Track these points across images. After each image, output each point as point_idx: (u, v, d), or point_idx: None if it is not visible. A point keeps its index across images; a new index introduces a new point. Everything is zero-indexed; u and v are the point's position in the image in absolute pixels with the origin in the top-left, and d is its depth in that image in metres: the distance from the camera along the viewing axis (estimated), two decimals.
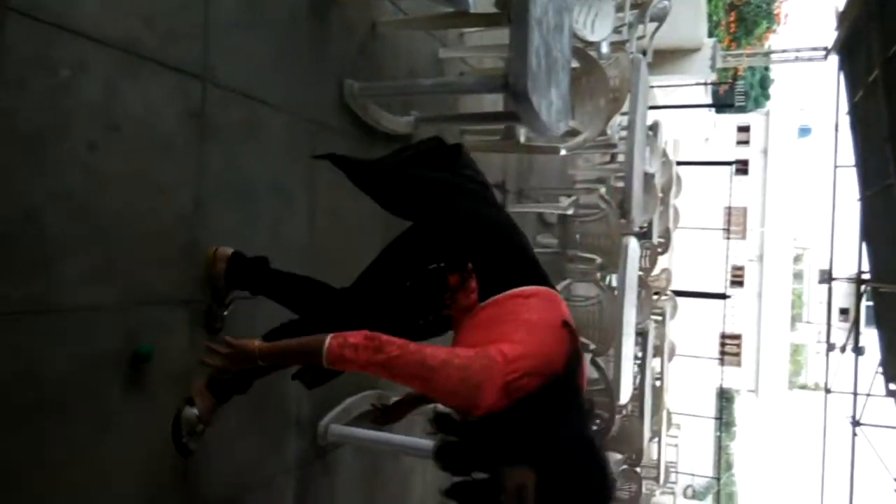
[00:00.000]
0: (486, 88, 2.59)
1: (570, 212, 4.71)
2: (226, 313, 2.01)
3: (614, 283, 4.48)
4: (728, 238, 14.41)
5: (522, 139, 3.47)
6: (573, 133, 3.72)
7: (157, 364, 1.75)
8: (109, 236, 1.62)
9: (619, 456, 6.15)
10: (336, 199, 2.49)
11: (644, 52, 5.07)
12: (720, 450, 13.63)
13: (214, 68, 1.93)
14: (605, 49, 4.36)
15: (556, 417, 1.36)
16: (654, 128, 6.33)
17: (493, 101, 3.37)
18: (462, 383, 1.36)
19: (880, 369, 6.95)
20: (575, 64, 3.50)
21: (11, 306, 1.42)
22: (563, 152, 3.80)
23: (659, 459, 8.21)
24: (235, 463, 2.04)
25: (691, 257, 21.31)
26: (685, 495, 18.97)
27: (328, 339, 1.42)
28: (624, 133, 4.63)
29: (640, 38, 5.06)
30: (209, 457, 1.92)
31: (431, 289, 1.65)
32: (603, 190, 5.15)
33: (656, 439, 7.86)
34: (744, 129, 29.70)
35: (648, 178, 5.86)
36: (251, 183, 2.10)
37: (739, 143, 29.41)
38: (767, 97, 31.09)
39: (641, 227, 6.34)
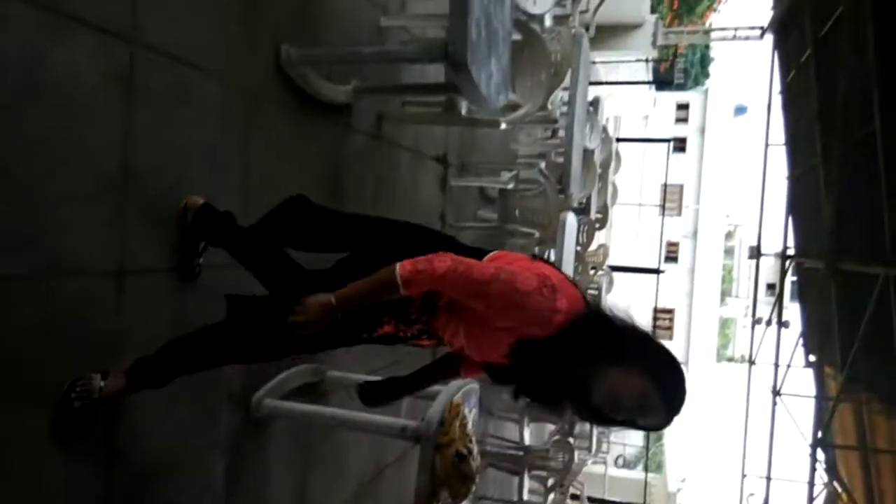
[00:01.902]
0: (426, 57, 2.56)
1: (510, 186, 4.74)
2: (201, 260, 2.04)
3: (552, 258, 4.54)
4: (663, 215, 14.79)
5: (464, 111, 3.46)
6: (514, 107, 3.72)
7: (80, 336, 1.69)
8: (24, 202, 1.54)
9: (551, 427, 6.31)
10: (271, 167, 2.44)
11: (587, 27, 5.11)
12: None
13: (143, 29, 1.84)
14: (547, 22, 4.36)
15: (613, 323, 1.51)
16: (595, 104, 6.40)
17: (436, 72, 3.34)
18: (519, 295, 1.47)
19: (801, 341, 7.31)
20: (516, 36, 3.49)
21: None
22: (503, 126, 3.81)
23: (591, 430, 8.44)
24: (164, 437, 1.99)
25: (628, 233, 21.81)
26: (616, 464, 19.64)
27: (396, 266, 1.51)
28: (565, 108, 4.66)
29: (582, 12, 5.09)
30: (136, 430, 1.87)
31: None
32: (543, 165, 5.19)
33: None
34: (683, 107, 30.37)
35: (588, 154, 5.94)
36: (182, 150, 2.03)
37: (678, 120, 30.08)
38: (707, 75, 31.84)
39: (580, 203, 6.43)
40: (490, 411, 5.99)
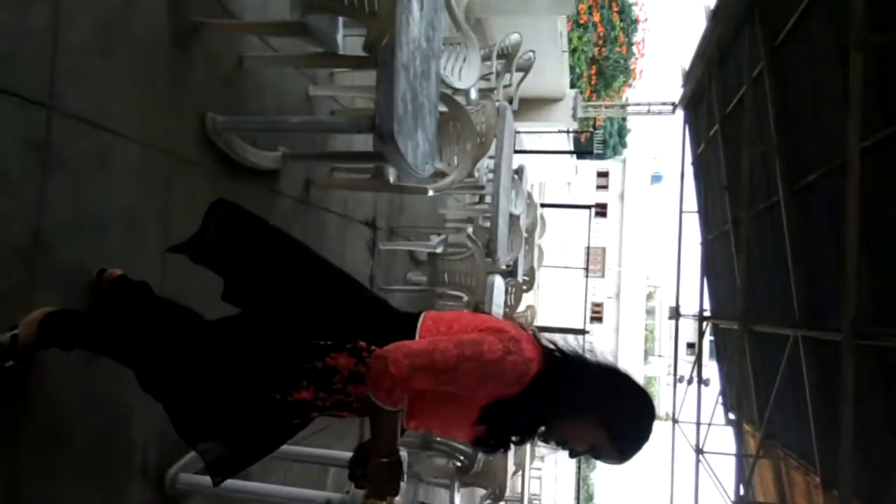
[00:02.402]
0: (354, 129, 2.61)
1: (439, 250, 4.80)
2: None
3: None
4: (588, 276, 15.19)
5: (392, 179, 3.52)
6: (441, 175, 3.81)
7: None
8: None
9: (482, 491, 6.22)
10: (193, 231, 2.40)
11: (510, 100, 5.32)
12: (580, 481, 14.15)
13: (62, 96, 1.81)
14: (472, 95, 4.53)
15: (580, 368, 1.52)
16: (520, 171, 6.61)
17: (364, 140, 3.40)
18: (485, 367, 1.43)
19: (720, 399, 7.55)
20: (443, 108, 3.61)
21: None
22: (431, 193, 3.88)
23: (523, 492, 8.39)
24: None
25: (554, 294, 22.23)
26: None
27: (376, 402, 1.43)
28: (491, 175, 4.81)
29: (506, 86, 5.30)
30: None
31: (304, 364, 1.54)
32: (471, 229, 5.29)
33: (520, 473, 8.04)
34: (603, 175, 31.71)
35: (514, 219, 6.10)
36: (100, 217, 1.98)
37: (599, 187, 31.35)
38: (624, 145, 33.42)
39: (507, 266, 6.56)
40: (420, 477, 5.87)
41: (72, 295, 1.87)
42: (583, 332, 11.66)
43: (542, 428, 1.55)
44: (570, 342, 1.58)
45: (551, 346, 1.54)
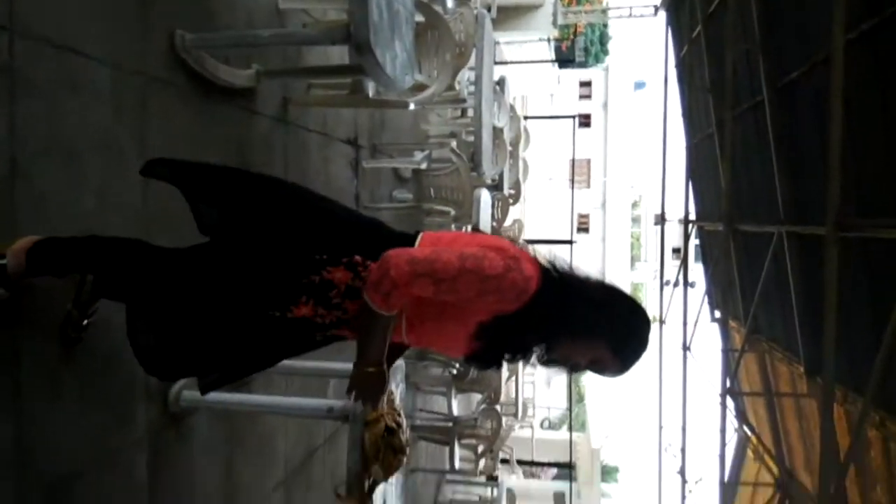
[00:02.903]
0: (328, 40, 2.54)
1: (423, 166, 4.76)
2: (86, 322, 1.87)
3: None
4: (573, 188, 15.20)
5: (371, 93, 3.45)
6: (421, 87, 3.74)
7: None
8: None
9: (479, 396, 6.44)
10: (171, 152, 2.36)
11: (488, 8, 5.17)
12: (571, 383, 14.63)
13: (24, 17, 1.74)
14: (449, 4, 4.39)
15: (577, 285, 1.54)
16: (501, 83, 6.50)
17: (340, 54, 3.31)
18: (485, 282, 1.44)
19: (706, 299, 7.73)
20: (419, 18, 3.50)
21: None
22: (412, 107, 3.82)
23: (517, 396, 8.68)
24: (79, 437, 1.92)
25: (541, 207, 22.29)
26: (542, 427, 20.24)
27: (371, 305, 1.46)
28: (472, 88, 4.72)
29: None
30: (47, 434, 1.80)
31: (301, 278, 1.55)
32: (454, 144, 5.24)
33: (514, 378, 8.30)
34: (585, 84, 31.19)
35: (498, 132, 6.04)
36: (75, 141, 1.94)
37: (582, 97, 30.89)
38: (606, 52, 32.78)
39: (493, 180, 6.54)
40: (417, 386, 6.05)
41: (55, 221, 1.85)
42: (570, 242, 11.76)
43: (540, 348, 1.56)
44: (564, 260, 1.58)
45: (549, 266, 1.54)
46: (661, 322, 7.77)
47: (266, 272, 1.57)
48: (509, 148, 7.03)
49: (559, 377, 20.03)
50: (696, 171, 8.26)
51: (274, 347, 1.71)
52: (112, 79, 2.07)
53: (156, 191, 2.16)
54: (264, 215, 1.64)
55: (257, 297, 1.58)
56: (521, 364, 8.62)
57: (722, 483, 6.68)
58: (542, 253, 1.60)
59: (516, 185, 8.13)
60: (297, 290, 1.55)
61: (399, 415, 2.31)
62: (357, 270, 1.55)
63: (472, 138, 5.29)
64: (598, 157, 29.96)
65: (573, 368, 1.60)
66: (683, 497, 7.00)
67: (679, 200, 8.09)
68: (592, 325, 1.51)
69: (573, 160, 15.70)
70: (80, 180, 1.95)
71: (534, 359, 1.60)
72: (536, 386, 12.28)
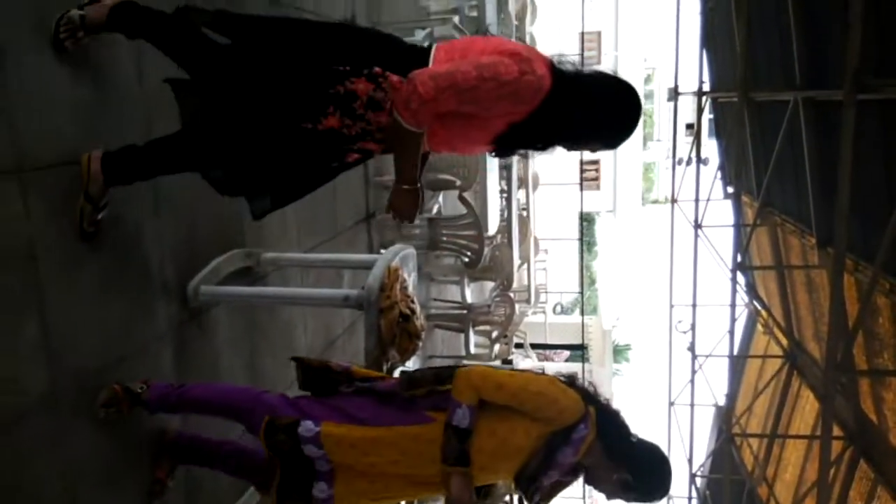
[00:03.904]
0: None
1: (426, 44, 4.57)
2: (99, 216, 1.89)
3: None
4: (583, 63, 14.66)
5: None
6: None
7: None
8: None
9: (491, 283, 6.53)
10: None
11: None
12: (583, 268, 14.82)
13: None
14: None
15: (584, 83, 1.74)
16: None
17: None
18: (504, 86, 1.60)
19: (719, 174, 7.63)
20: None
21: None
22: None
23: (529, 283, 8.80)
24: (102, 334, 1.96)
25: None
26: (554, 311, 20.72)
27: (400, 122, 1.63)
28: None
29: None
30: (71, 332, 1.84)
31: (328, 90, 1.67)
32: (457, 19, 5.01)
33: (525, 265, 8.38)
34: None
35: (503, 4, 5.76)
36: None
37: None
38: None
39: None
40: (431, 277, 6.14)
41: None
42: None
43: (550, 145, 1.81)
44: (571, 58, 1.78)
45: (558, 64, 1.72)
46: (674, 201, 7.70)
47: (296, 82, 1.71)
48: (515, 22, 6.75)
49: (571, 262, 20.32)
50: (711, 38, 7.89)
51: (313, 161, 1.84)
52: None
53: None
54: (290, 34, 1.79)
55: (291, 107, 1.71)
56: (531, 249, 8.69)
57: (731, 356, 6.86)
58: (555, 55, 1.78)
59: None
60: (325, 101, 1.69)
61: (413, 301, 2.35)
62: (378, 81, 1.68)
63: (475, 13, 5.07)
64: (608, 29, 28.77)
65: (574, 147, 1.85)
66: (693, 372, 7.21)
67: (693, 72, 7.79)
68: (593, 127, 1.76)
69: (582, 33, 15.10)
70: None
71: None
72: (548, 272, 12.42)
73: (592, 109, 1.72)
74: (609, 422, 1.77)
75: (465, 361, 7.38)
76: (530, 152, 1.97)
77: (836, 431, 4.85)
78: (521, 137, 1.76)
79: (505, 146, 1.82)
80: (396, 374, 2.22)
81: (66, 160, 1.81)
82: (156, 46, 1.86)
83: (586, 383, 1.83)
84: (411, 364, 2.59)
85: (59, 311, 1.80)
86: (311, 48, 1.73)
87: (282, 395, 1.92)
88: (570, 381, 1.81)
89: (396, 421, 1.77)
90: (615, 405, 1.84)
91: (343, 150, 1.78)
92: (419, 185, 1.78)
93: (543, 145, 1.81)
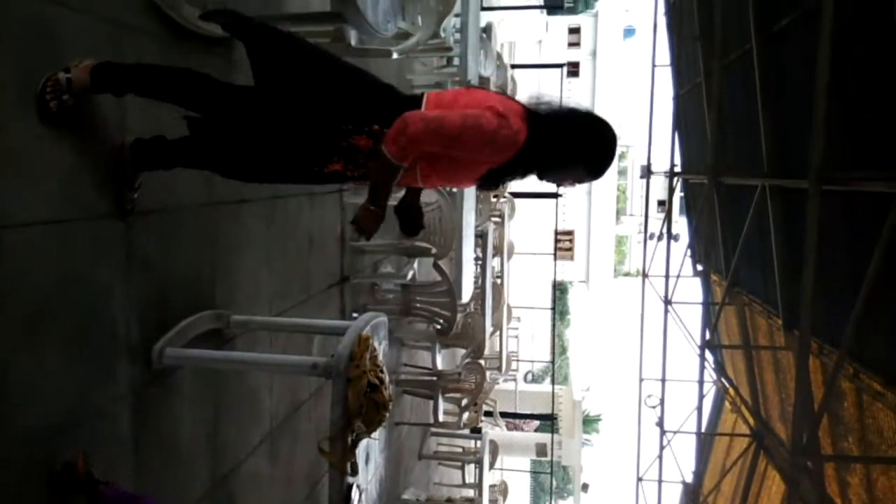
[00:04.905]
0: None
1: (419, 93, 4.67)
2: (136, 196, 2.09)
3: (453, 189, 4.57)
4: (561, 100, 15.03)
5: (353, 41, 3.35)
6: (405, 35, 3.64)
7: None
8: None
9: (462, 351, 6.49)
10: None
11: None
12: (555, 337, 14.82)
13: None
14: None
15: (559, 124, 1.91)
16: (488, 30, 6.37)
17: (322, 2, 3.20)
18: (482, 132, 1.80)
19: (689, 252, 7.79)
20: None
21: None
22: (395, 55, 3.73)
23: (501, 350, 8.78)
24: (59, 396, 1.90)
25: None
26: (525, 380, 20.59)
27: (386, 154, 1.80)
28: (458, 35, 4.61)
29: None
30: (25, 394, 1.78)
31: (334, 145, 1.88)
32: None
33: (498, 332, 8.37)
34: (574, 31, 30.66)
35: (484, 81, 5.94)
36: None
37: (571, 45, 30.40)
38: None
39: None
40: (402, 342, 6.09)
41: None
42: (556, 196, 11.74)
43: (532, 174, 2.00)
44: (548, 98, 1.97)
45: (534, 111, 1.91)
46: (645, 276, 7.82)
47: (308, 138, 1.92)
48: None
49: (543, 331, 20.31)
50: (683, 122, 8.21)
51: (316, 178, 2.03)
52: (84, 26, 1.99)
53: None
54: (308, 83, 1.94)
55: (302, 155, 1.94)
56: (504, 317, 8.72)
57: (699, 433, 6.84)
58: (529, 95, 1.99)
59: None
60: (332, 152, 1.91)
61: (382, 371, 2.32)
62: (377, 137, 1.87)
63: (457, 79, 5.20)
64: (585, 106, 29.66)
65: (557, 184, 2.06)
66: (661, 448, 7.17)
67: (665, 152, 8.05)
68: (573, 161, 1.94)
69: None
70: None
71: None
72: (520, 339, 12.40)
73: (570, 143, 1.90)
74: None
75: (434, 430, 7.28)
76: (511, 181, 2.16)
77: None
78: (503, 173, 1.96)
79: (489, 182, 2.02)
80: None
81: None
82: (155, 98, 2.00)
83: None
84: (377, 435, 2.55)
85: (17, 368, 1.75)
86: (324, 105, 1.91)
87: None
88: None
89: None
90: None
91: (345, 179, 2.00)
92: (384, 208, 1.96)
93: (524, 174, 2.01)
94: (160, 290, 2.39)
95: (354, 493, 2.33)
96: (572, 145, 1.90)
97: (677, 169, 7.82)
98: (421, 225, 2.21)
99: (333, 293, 4.27)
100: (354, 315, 4.25)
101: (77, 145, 1.95)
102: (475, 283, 7.44)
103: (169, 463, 2.46)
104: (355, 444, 2.25)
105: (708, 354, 6.66)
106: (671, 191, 7.65)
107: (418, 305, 4.68)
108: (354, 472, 2.28)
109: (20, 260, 1.77)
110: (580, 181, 2.01)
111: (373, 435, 2.37)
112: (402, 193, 2.26)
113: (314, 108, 1.91)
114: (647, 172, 8.68)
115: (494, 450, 7.69)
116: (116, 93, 1.96)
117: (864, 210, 3.86)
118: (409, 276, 5.03)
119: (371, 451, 2.55)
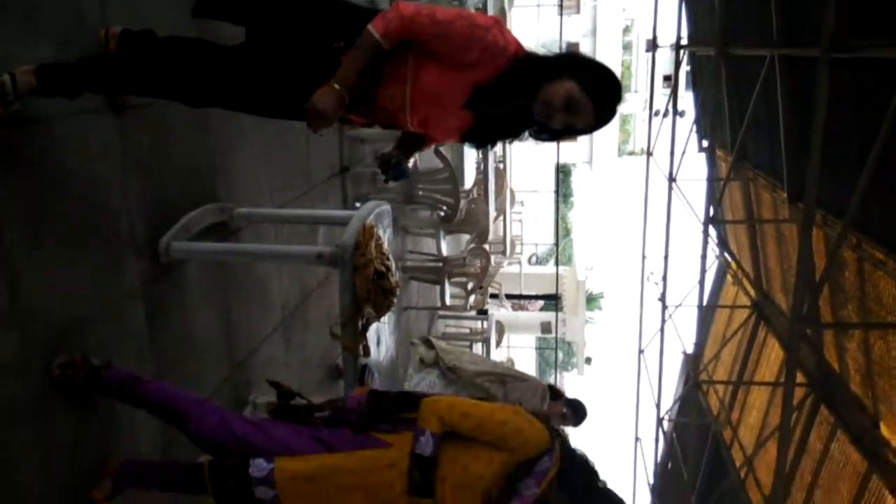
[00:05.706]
0: None
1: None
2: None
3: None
4: (562, 14, 14.47)
5: None
6: None
7: None
8: None
9: (467, 236, 6.55)
10: None
11: None
12: (559, 219, 14.88)
13: None
14: None
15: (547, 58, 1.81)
16: None
17: None
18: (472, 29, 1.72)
19: (695, 127, 7.65)
20: None
21: None
22: None
23: (505, 234, 8.84)
24: (70, 294, 1.93)
25: (528, 35, 21.35)
26: (530, 262, 20.89)
27: (370, 29, 1.69)
28: None
29: None
30: (38, 292, 1.81)
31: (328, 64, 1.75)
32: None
33: (501, 217, 8.40)
34: None
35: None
36: None
37: None
38: None
39: (476, 8, 6.20)
40: (406, 229, 6.13)
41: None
42: None
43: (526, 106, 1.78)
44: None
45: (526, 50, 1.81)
46: (649, 154, 7.72)
47: (301, 64, 1.80)
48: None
49: (547, 214, 20.36)
50: None
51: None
52: None
53: None
54: (294, 8, 1.86)
55: (299, 84, 1.77)
56: (507, 201, 8.70)
57: (700, 306, 6.99)
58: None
59: (501, 13, 7.72)
60: (327, 73, 1.74)
61: (388, 258, 2.35)
62: None
63: None
64: None
65: (554, 135, 1.86)
66: (663, 321, 7.35)
67: (672, 24, 7.73)
68: (562, 69, 1.75)
69: None
70: None
71: (525, 135, 1.90)
72: (524, 223, 12.46)
73: (564, 60, 1.81)
74: (573, 459, 1.75)
75: (441, 313, 7.47)
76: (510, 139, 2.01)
77: (800, 378, 5.02)
78: (490, 97, 1.78)
79: (478, 132, 1.88)
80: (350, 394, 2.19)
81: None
82: (123, 87, 1.90)
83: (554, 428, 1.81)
84: (386, 319, 2.61)
85: (24, 270, 1.77)
86: (314, 26, 1.84)
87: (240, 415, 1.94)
88: (539, 416, 1.81)
89: (354, 445, 1.76)
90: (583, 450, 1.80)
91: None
92: (348, 94, 1.74)
93: (517, 130, 1.88)
94: (160, 185, 2.37)
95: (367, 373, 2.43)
96: (565, 62, 1.79)
97: (684, 41, 7.52)
98: (333, 116, 1.81)
99: (335, 183, 4.25)
100: (357, 205, 4.25)
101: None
102: (477, 168, 7.38)
103: (186, 354, 2.55)
104: (365, 328, 2.31)
105: (711, 230, 6.69)
106: (677, 64, 7.39)
107: (421, 193, 4.67)
108: (367, 354, 2.36)
109: (15, 159, 1.74)
110: (575, 115, 1.76)
111: (382, 319, 2.44)
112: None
113: (305, 32, 1.84)
114: (652, 46, 8.36)
115: (501, 329, 7.93)
116: (70, 95, 1.78)
117: (873, 80, 3.74)
118: (411, 163, 4.98)
119: (381, 334, 2.63)
